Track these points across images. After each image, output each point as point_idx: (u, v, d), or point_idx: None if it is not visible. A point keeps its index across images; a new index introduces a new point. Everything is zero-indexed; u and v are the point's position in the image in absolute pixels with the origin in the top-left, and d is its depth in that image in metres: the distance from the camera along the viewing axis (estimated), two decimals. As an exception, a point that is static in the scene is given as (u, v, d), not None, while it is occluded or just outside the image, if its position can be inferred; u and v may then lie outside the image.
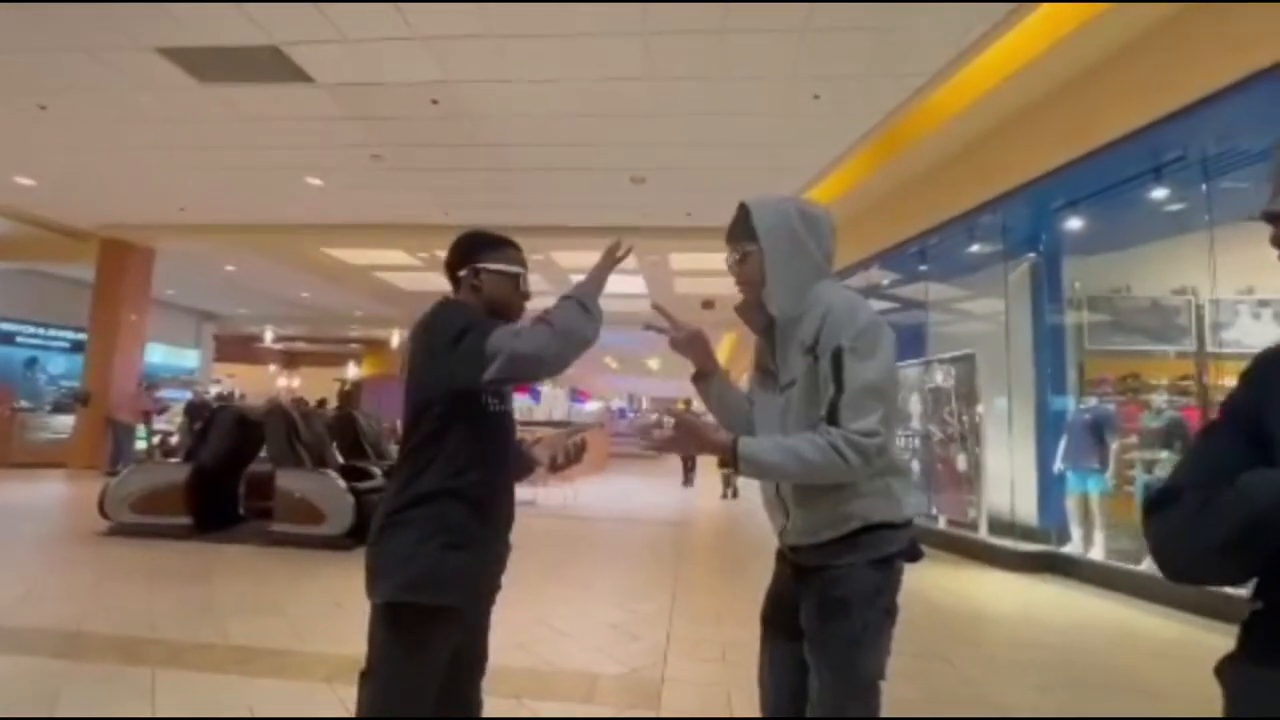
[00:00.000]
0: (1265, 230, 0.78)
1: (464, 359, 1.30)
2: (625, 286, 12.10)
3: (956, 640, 3.72)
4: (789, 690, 1.39)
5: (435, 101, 5.74)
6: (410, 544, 1.34)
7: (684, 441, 1.32)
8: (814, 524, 1.33)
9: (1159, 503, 0.76)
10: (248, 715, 2.41)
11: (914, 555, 1.36)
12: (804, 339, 1.33)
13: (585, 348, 1.36)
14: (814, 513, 1.33)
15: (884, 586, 1.30)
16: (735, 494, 10.71)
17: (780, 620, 1.43)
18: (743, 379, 1.62)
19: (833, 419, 1.24)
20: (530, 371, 1.30)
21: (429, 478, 1.36)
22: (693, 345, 1.55)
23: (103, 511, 5.59)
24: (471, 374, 1.30)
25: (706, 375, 1.56)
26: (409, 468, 1.40)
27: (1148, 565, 5.01)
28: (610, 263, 1.49)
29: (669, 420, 1.34)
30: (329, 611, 3.74)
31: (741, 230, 1.44)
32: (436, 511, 1.36)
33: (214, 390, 16.56)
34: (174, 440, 10.81)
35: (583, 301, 1.37)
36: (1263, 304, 5.69)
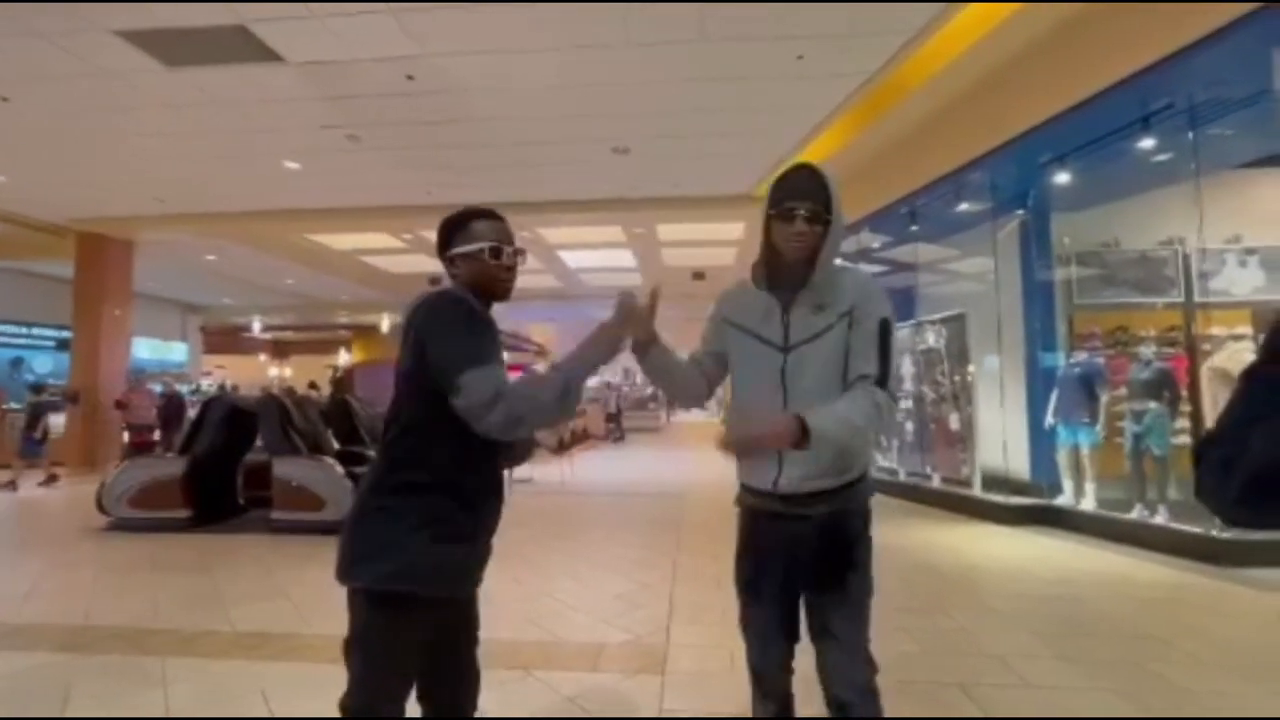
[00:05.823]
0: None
1: (441, 374, 1.30)
2: (614, 260, 12.07)
3: (953, 593, 3.81)
4: (779, 647, 1.54)
5: (410, 77, 5.59)
6: (397, 532, 1.33)
7: (758, 437, 1.38)
8: (815, 471, 1.43)
9: (1201, 452, 0.77)
10: (260, 697, 2.45)
11: None
12: (824, 302, 1.44)
13: (545, 426, 1.37)
14: (815, 462, 1.41)
15: (869, 522, 1.53)
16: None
17: (767, 579, 1.53)
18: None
19: (881, 383, 1.40)
20: (481, 429, 1.29)
21: (421, 468, 1.34)
22: (634, 319, 1.52)
23: (101, 508, 5.59)
24: (440, 385, 1.30)
25: (646, 344, 1.57)
26: (397, 451, 1.37)
27: (1137, 513, 5.12)
28: (609, 339, 1.41)
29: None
30: (332, 595, 3.75)
31: (822, 198, 1.43)
32: (427, 503, 1.34)
33: (204, 383, 16.42)
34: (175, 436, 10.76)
35: (569, 385, 1.33)
36: (1249, 251, 5.71)
